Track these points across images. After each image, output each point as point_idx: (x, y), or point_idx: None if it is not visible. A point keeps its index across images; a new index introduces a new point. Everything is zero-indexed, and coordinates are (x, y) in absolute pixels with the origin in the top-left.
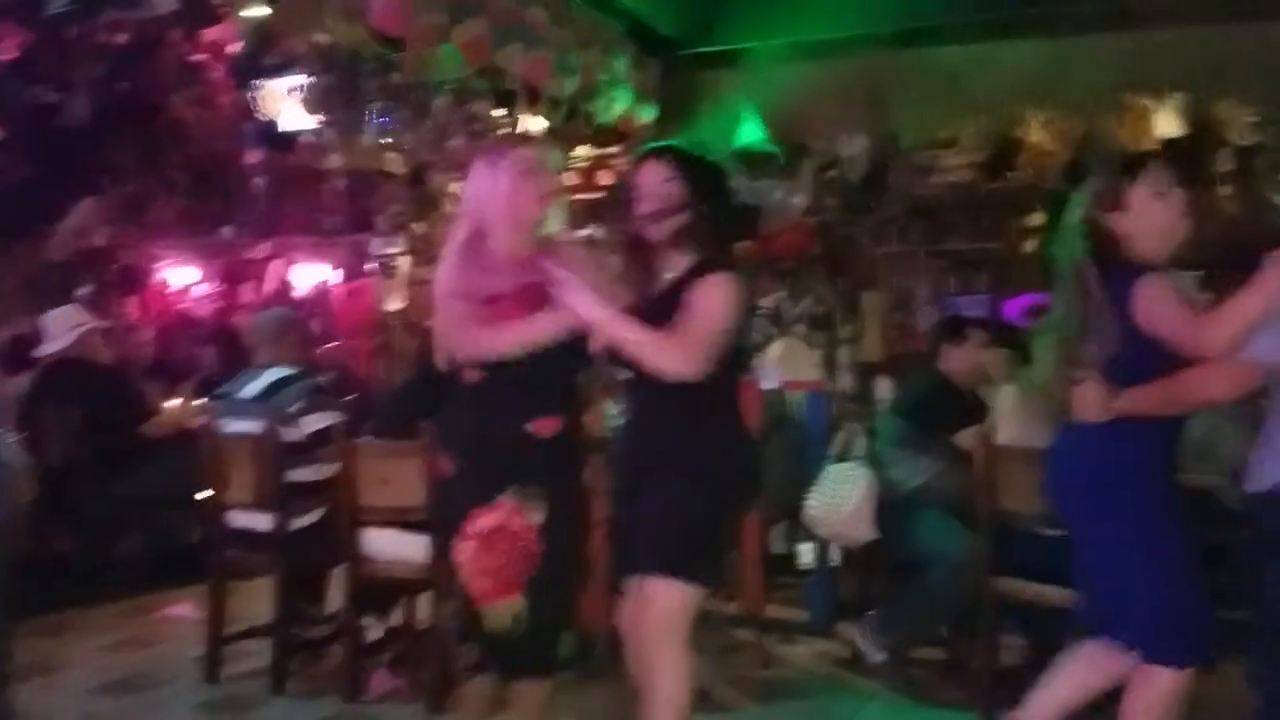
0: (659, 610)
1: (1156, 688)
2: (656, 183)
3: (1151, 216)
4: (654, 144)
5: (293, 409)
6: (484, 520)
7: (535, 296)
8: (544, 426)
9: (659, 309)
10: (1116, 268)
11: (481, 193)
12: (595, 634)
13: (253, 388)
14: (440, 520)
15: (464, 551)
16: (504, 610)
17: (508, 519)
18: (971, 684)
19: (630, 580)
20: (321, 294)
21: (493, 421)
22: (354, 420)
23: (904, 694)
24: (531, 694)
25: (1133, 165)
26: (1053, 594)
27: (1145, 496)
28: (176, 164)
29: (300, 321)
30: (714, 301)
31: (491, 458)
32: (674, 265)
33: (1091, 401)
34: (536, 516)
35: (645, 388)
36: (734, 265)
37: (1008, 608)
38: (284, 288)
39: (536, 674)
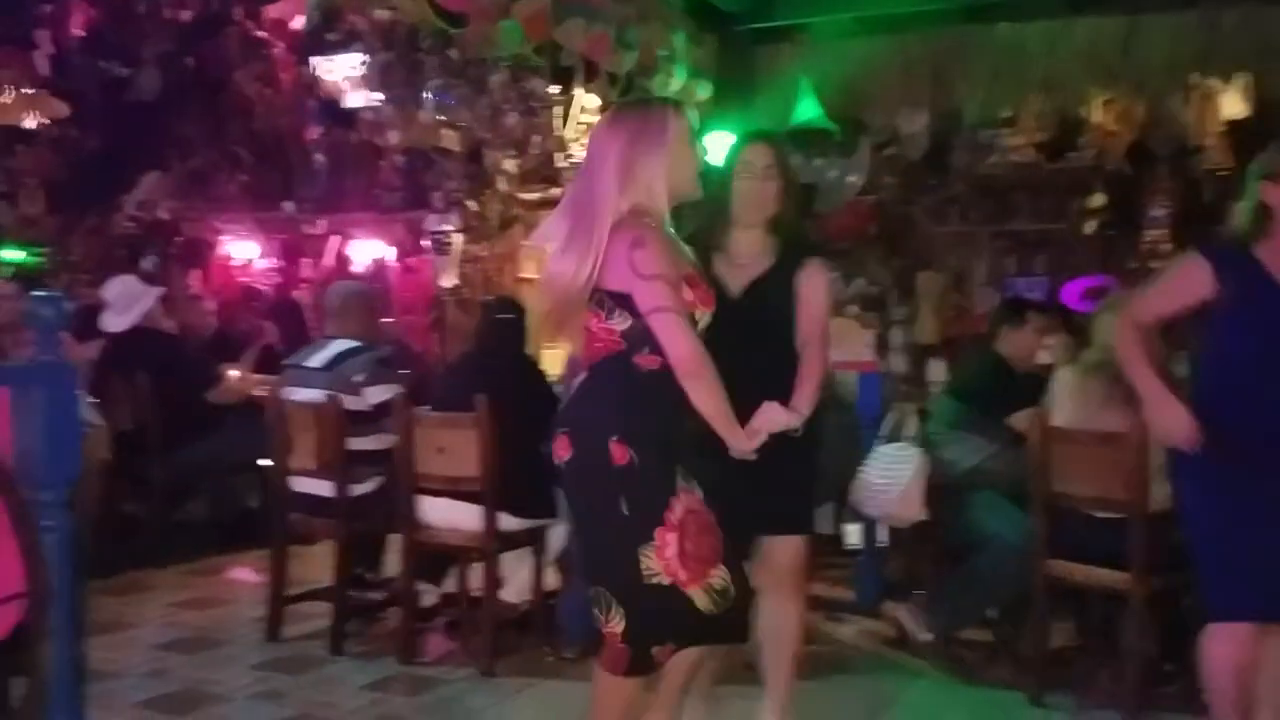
0: (803, 560)
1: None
2: (763, 167)
3: None
4: (758, 129)
5: (357, 379)
6: (678, 508)
7: (700, 282)
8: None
9: (766, 290)
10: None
11: (660, 158)
12: None
13: (319, 358)
14: (618, 506)
15: (670, 545)
16: (714, 584)
17: (689, 500)
18: (1020, 666)
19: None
20: (378, 270)
21: (675, 415)
22: (410, 392)
23: (950, 674)
24: (683, 664)
25: None
26: (1105, 576)
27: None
28: (239, 139)
29: (369, 295)
30: (824, 295)
31: (671, 449)
32: (749, 246)
33: None
34: (699, 489)
35: (753, 368)
36: (817, 250)
37: (1059, 590)
38: (343, 263)
39: (739, 638)
